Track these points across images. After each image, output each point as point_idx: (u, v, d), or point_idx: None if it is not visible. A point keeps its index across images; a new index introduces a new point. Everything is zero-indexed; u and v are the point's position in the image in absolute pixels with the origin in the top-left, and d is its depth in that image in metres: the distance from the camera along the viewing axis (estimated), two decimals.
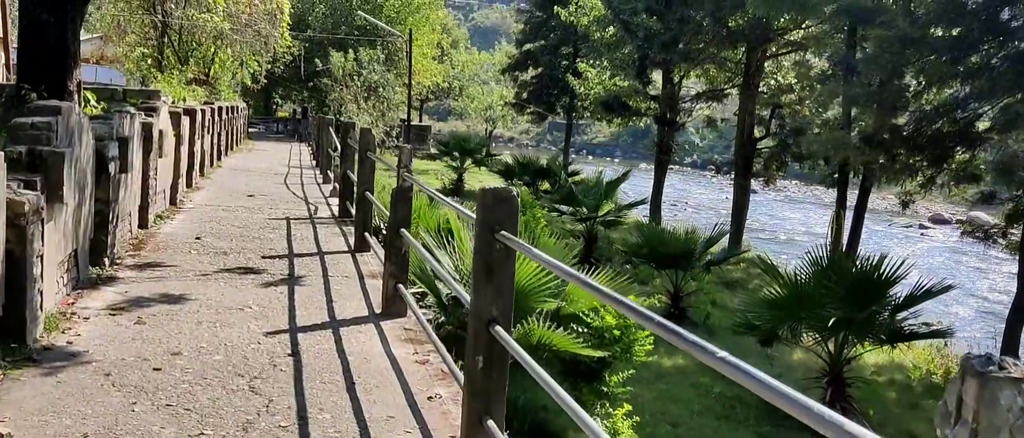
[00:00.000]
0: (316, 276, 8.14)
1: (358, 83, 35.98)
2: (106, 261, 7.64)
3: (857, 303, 10.85)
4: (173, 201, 12.15)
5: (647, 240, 15.64)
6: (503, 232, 3.94)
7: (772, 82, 23.79)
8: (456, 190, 32.95)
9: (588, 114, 35.72)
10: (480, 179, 38.23)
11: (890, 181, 17.52)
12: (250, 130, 39.59)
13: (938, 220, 50.64)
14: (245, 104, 37.33)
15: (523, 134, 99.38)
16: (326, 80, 35.36)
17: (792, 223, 46.73)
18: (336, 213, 12.52)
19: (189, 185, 14.27)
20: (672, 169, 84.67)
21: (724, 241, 16.55)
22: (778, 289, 11.24)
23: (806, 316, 10.90)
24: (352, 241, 9.95)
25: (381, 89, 37.29)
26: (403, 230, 6.88)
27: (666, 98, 26.59)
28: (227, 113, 22.68)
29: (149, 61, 27.87)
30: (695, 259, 15.43)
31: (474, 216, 4.32)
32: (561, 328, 8.75)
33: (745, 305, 12.22)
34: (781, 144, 22.51)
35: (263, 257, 8.84)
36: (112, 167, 7.68)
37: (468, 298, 4.95)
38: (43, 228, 5.54)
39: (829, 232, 19.96)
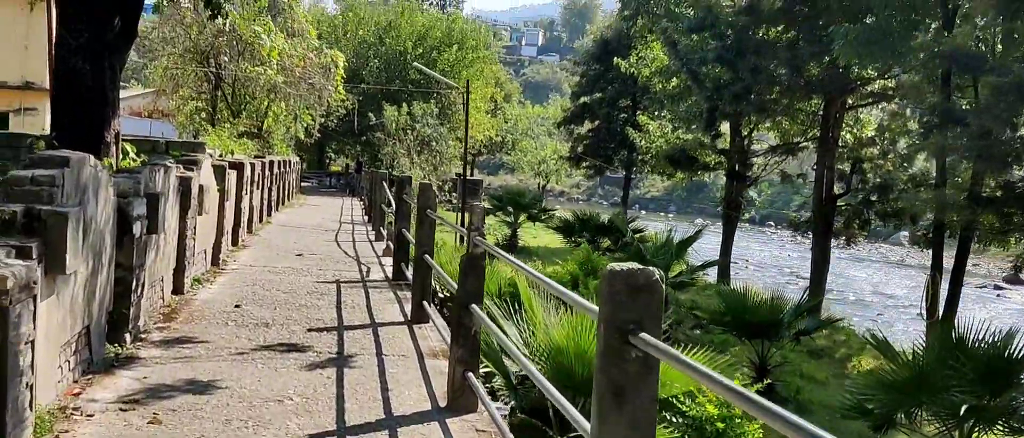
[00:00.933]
0: (369, 355, 6.96)
1: (411, 137, 35.28)
2: (127, 337, 6.56)
3: (988, 386, 9.37)
4: (215, 261, 11.15)
5: (730, 306, 14.23)
6: (643, 335, 2.74)
7: (850, 135, 22.32)
8: (510, 246, 31.84)
9: (648, 169, 34.48)
10: (534, 235, 37.11)
11: (997, 242, 15.97)
12: (302, 184, 39.09)
13: (1012, 281, 48.53)
14: (298, 158, 36.88)
15: (574, 188, 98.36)
16: (379, 134, 34.70)
17: (859, 282, 44.64)
18: (390, 275, 11.40)
19: (235, 243, 13.30)
20: (710, 224, 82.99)
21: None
22: (895, 369, 9.80)
23: (928, 401, 9.44)
24: (408, 309, 8.79)
25: (434, 143, 36.54)
26: (474, 307, 5.69)
27: (736, 151, 25.27)
28: (279, 167, 21.91)
29: (202, 115, 27.39)
30: (784, 328, 14.00)
31: (586, 304, 3.16)
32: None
33: (856, 387, 10.72)
34: (865, 201, 20.98)
35: (309, 330, 7.71)
36: (137, 227, 6.64)
37: (563, 403, 3.78)
38: (36, 306, 4.46)
39: (924, 297, 18.34)
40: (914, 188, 20.77)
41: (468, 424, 5.43)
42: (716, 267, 25.08)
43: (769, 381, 14.43)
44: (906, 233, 38.24)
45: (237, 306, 8.57)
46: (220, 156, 15.58)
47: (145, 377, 5.83)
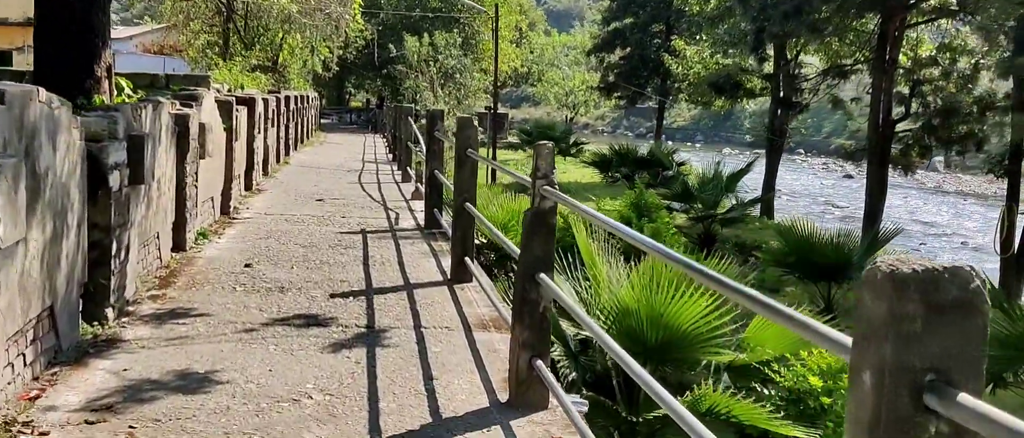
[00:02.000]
0: (405, 328, 5.70)
1: (434, 69, 33.70)
2: (109, 313, 5.34)
3: None
4: (225, 210, 9.91)
5: (795, 246, 12.86)
6: (959, 395, 1.43)
7: (906, 57, 20.54)
8: None
9: (685, 96, 32.76)
10: (563, 169, 35.70)
11: None
12: (322, 121, 37.80)
13: None
14: (317, 93, 35.50)
15: (599, 120, 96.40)
16: (400, 66, 33.15)
17: (895, 210, 42.94)
18: (422, 222, 10.11)
19: (248, 188, 12.05)
20: (758, 153, 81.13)
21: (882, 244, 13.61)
22: (1008, 325, 8.47)
23: None
24: (447, 265, 7.52)
25: (458, 75, 34.95)
26: (543, 277, 4.39)
27: (787, 76, 23.60)
28: (296, 103, 20.58)
29: (215, 49, 25.99)
30: (853, 269, 12.63)
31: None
32: (739, 391, 6.27)
33: None
34: (927, 126, 19.32)
35: (332, 296, 6.46)
36: (115, 178, 5.36)
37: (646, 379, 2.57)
38: None
39: (998, 231, 16.84)
40: (980, 112, 19.13)
41: (540, 427, 4.18)
42: (762, 203, 23.69)
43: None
44: (940, 159, 36.36)
45: (247, 265, 7.33)
46: (229, 91, 14.24)
47: (126, 369, 4.61)
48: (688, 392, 5.67)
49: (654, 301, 6.27)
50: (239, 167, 10.95)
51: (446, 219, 9.24)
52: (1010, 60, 15.63)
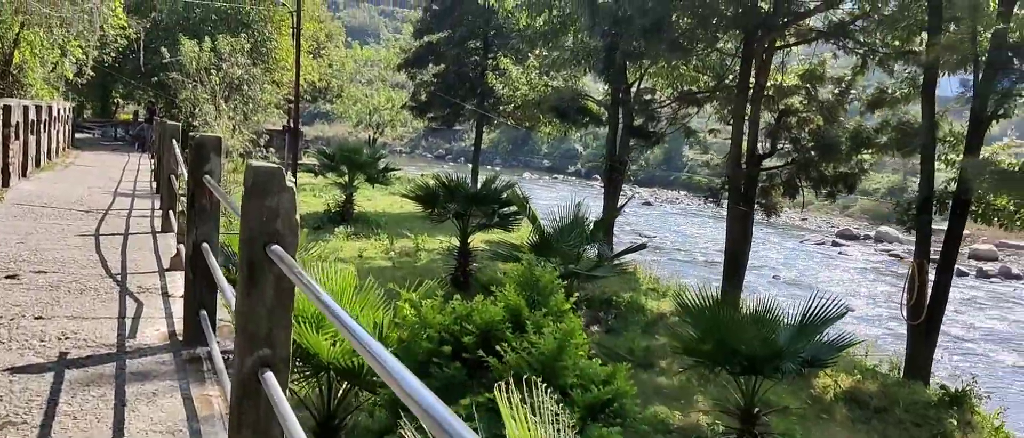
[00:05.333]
0: None
1: (217, 78, 28.56)
2: None
3: None
4: None
5: (712, 323, 9.53)
6: None
7: (772, 83, 18.22)
8: (344, 215, 26.25)
9: (510, 120, 29.54)
10: (368, 196, 31.49)
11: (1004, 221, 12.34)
12: (78, 136, 31.56)
13: (847, 236, 48.44)
14: (71, 104, 29.38)
15: (397, 140, 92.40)
16: (175, 74, 27.78)
17: (698, 239, 42.07)
18: (180, 330, 5.80)
19: None
20: (556, 178, 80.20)
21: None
22: None
23: None
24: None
25: (246, 87, 29.94)
26: None
27: (640, 102, 20.82)
28: (36, 114, 15.45)
29: None
30: (787, 357, 9.51)
31: None
32: None
33: None
34: (799, 164, 16.97)
35: None
36: None
37: None
38: None
39: (904, 292, 14.54)
40: (853, 149, 17.01)
41: None
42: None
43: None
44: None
45: None
46: None
47: None
48: None
49: None
50: None
51: (220, 332, 5.13)
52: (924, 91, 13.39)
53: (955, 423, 12.07)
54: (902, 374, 14.40)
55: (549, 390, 6.84)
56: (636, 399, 7.28)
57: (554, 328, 6.77)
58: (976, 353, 21.42)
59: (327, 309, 2.39)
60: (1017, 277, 35.71)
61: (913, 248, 40.80)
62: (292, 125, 26.87)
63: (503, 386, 3.60)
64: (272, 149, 37.52)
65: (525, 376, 6.92)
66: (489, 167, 73.10)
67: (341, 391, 7.36)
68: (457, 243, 17.63)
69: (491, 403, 6.57)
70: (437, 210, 17.64)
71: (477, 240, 18.38)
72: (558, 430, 3.62)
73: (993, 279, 34.96)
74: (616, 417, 7.04)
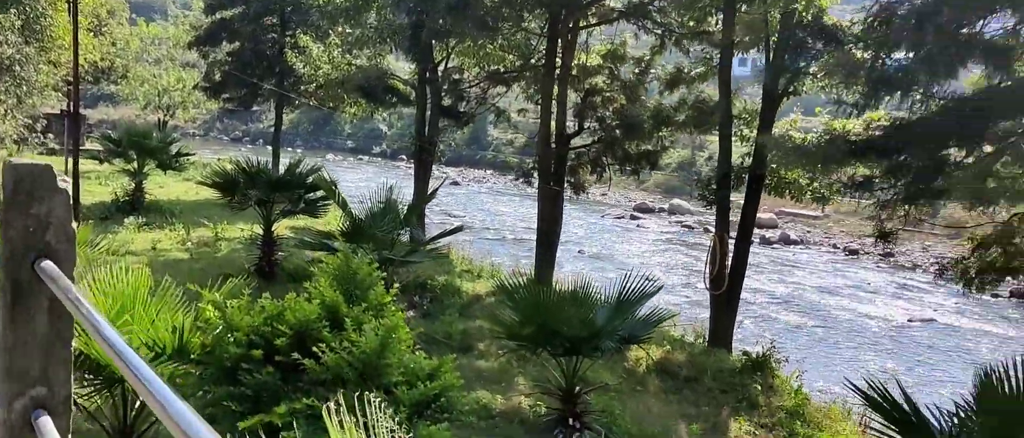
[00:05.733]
0: None
1: None
2: None
3: None
4: None
5: (533, 307, 9.42)
6: None
7: (578, 62, 18.45)
8: (134, 204, 24.41)
9: (311, 102, 28.43)
10: (160, 183, 29.49)
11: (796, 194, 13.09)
12: None
13: (644, 209, 50.51)
14: None
15: (190, 122, 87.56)
16: None
17: (507, 217, 42.70)
18: None
19: None
20: (362, 160, 78.71)
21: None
22: None
23: None
24: None
25: (18, 67, 27.12)
26: None
27: (449, 82, 20.46)
28: None
29: None
30: (605, 337, 9.57)
31: None
32: None
33: None
34: (605, 143, 17.29)
35: None
36: None
37: None
38: None
39: (707, 264, 15.10)
40: (655, 127, 17.54)
41: None
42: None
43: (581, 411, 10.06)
44: None
45: None
46: None
47: None
48: None
49: None
50: None
51: None
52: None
53: (759, 388, 12.69)
54: (707, 343, 15.03)
55: (373, 391, 6.46)
56: (462, 391, 7.01)
57: (375, 324, 6.36)
58: (767, 317, 22.85)
59: (109, 346, 1.90)
60: (796, 242, 38.48)
61: (703, 219, 42.88)
62: (71, 108, 24.59)
63: (332, 407, 3.19)
64: (51, 134, 34.37)
65: (346, 377, 6.51)
66: (290, 149, 70.89)
67: (138, 402, 6.66)
68: (260, 231, 16.70)
69: (311, 409, 6.10)
70: (237, 197, 16.60)
71: (282, 227, 17.51)
72: None
73: (775, 245, 37.50)
74: (443, 412, 6.74)
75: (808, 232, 40.38)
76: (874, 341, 22.04)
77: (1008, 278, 12.03)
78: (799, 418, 12.04)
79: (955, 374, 19.31)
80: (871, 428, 12.96)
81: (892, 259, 33.32)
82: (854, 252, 35.99)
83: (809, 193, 14.04)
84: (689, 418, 11.59)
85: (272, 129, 33.92)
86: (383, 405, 6.41)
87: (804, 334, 21.85)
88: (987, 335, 23.02)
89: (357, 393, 6.51)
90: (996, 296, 12.42)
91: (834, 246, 37.48)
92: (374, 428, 3.32)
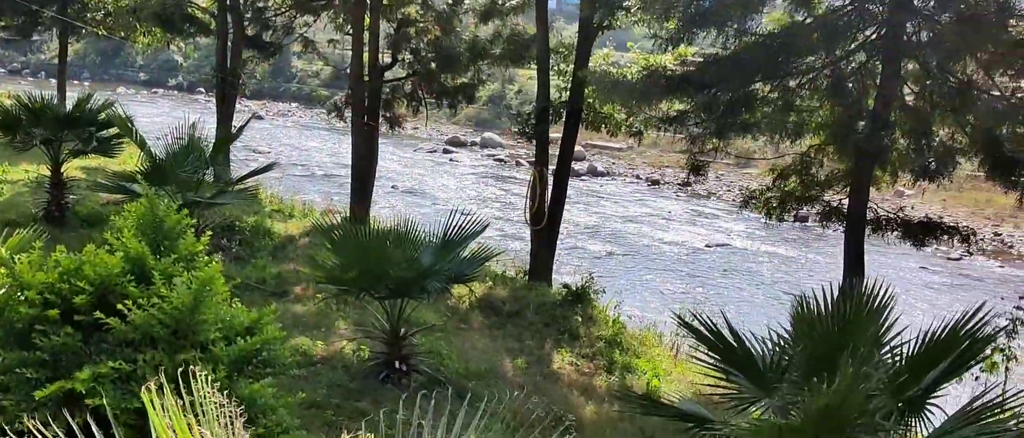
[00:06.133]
0: None
1: None
2: None
3: None
4: None
5: (356, 250, 9.06)
6: None
7: None
8: None
9: (100, 31, 26.05)
10: None
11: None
12: None
13: (456, 143, 50.48)
14: None
15: None
16: None
17: (314, 152, 41.52)
18: None
19: None
20: (156, 93, 74.22)
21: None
22: None
23: None
24: None
25: None
26: None
27: (253, 10, 19.19)
28: None
29: None
30: (433, 275, 9.39)
31: None
32: None
33: None
34: (421, 76, 16.87)
35: None
36: None
37: None
38: None
39: (528, 198, 15.14)
40: (471, 59, 17.35)
41: None
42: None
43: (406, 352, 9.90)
44: None
45: None
46: None
47: None
48: None
49: None
50: None
51: None
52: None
53: (580, 319, 12.98)
54: (528, 277, 15.20)
55: (189, 350, 5.96)
56: (284, 342, 6.61)
57: (187, 277, 5.82)
58: (577, 248, 23.51)
59: None
60: (602, 174, 39.73)
61: (515, 152, 43.29)
62: None
63: (152, 387, 2.80)
64: None
65: (156, 335, 5.96)
66: (77, 82, 65.32)
67: None
68: (48, 173, 15.20)
69: (118, 372, 5.54)
70: (20, 136, 14.98)
71: (73, 168, 16.03)
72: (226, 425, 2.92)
73: (583, 177, 38.53)
74: (266, 366, 6.32)
75: (613, 164, 41.71)
76: (675, 266, 23.21)
77: (805, 207, 12.88)
78: (617, 346, 12.44)
79: (751, 294, 20.71)
80: (687, 353, 13.65)
81: (689, 188, 35.05)
82: (656, 182, 37.58)
83: (625, 128, 14.36)
84: (514, 353, 11.69)
85: (56, 60, 30.88)
86: (200, 363, 5.94)
87: (613, 262, 22.67)
88: (774, 256, 24.83)
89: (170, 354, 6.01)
90: (781, 221, 13.37)
91: (637, 177, 38.95)
92: (201, 405, 2.96)
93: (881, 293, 6.40)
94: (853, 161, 11.18)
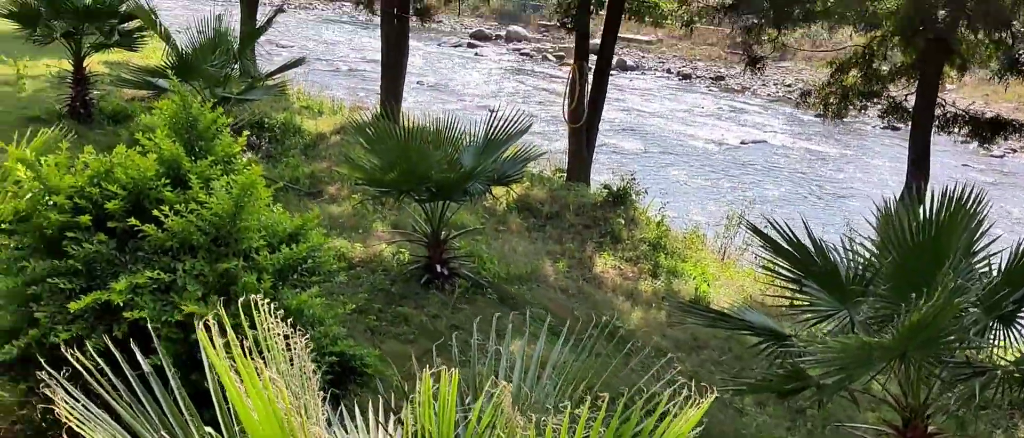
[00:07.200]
0: None
1: None
2: None
3: None
4: None
5: (397, 151, 8.59)
6: None
7: None
8: None
9: None
10: None
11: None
12: None
13: (480, 37, 49.31)
14: None
15: None
16: None
17: (339, 46, 40.62)
18: None
19: None
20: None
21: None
22: None
23: None
24: None
25: None
26: None
27: None
28: None
29: None
30: (479, 178, 8.94)
31: None
32: None
33: None
34: None
35: None
36: None
37: None
38: None
39: (566, 95, 14.50)
40: None
41: None
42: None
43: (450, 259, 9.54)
44: None
45: None
46: None
47: None
48: None
49: None
50: None
51: None
52: None
53: (622, 222, 12.53)
54: (566, 177, 14.71)
55: (232, 259, 5.57)
56: (330, 250, 6.23)
57: (227, 181, 5.40)
58: (611, 145, 22.91)
59: None
60: (632, 68, 38.69)
61: (541, 46, 42.11)
62: None
63: (206, 328, 2.38)
64: None
65: (196, 243, 5.57)
66: None
67: None
68: (70, 68, 14.70)
69: (156, 283, 5.18)
70: (40, 30, 14.43)
71: (95, 62, 15.52)
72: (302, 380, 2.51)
73: (611, 72, 37.59)
74: (312, 275, 5.96)
75: (643, 58, 40.58)
76: (712, 164, 22.61)
77: (867, 103, 12.19)
78: (662, 250, 12.01)
79: (797, 193, 20.09)
80: (735, 256, 13.20)
81: (722, 82, 34.10)
82: (687, 76, 36.57)
83: (673, 18, 13.60)
84: (554, 256, 11.31)
85: None
86: (244, 270, 5.56)
87: (647, 160, 22.09)
88: (814, 154, 24.16)
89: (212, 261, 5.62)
90: (840, 117, 12.63)
91: (668, 71, 37.90)
92: (266, 341, 2.55)
93: (973, 198, 5.90)
94: (922, 53, 10.47)
